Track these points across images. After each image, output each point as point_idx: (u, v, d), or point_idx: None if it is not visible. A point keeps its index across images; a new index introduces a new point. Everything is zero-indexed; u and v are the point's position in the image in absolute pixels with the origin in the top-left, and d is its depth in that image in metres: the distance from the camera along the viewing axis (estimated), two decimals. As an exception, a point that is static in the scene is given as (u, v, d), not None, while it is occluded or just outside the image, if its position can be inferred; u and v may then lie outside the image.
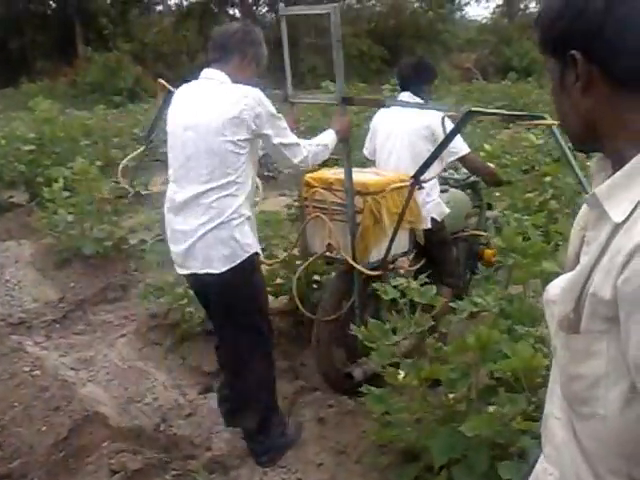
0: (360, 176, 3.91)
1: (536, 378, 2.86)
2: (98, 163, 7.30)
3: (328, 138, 3.58)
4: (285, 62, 4.02)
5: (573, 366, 1.14)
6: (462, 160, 4.54)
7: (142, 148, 4.57)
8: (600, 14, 1.09)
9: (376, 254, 3.90)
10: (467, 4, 41.33)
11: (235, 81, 3.24)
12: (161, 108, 4.39)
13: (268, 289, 4.80)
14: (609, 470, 1.13)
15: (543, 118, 2.95)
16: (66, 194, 6.40)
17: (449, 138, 3.47)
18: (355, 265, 3.78)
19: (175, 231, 3.29)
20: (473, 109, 3.28)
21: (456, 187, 4.88)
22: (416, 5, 34.43)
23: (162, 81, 4.18)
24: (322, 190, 3.95)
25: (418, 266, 4.23)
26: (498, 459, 2.90)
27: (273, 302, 4.95)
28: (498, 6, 40.12)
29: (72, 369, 4.44)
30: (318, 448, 3.55)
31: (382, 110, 4.69)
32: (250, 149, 3.20)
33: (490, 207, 5.41)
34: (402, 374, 3.05)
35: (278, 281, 4.80)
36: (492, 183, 4.97)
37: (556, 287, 1.22)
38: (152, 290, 4.77)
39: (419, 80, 4.52)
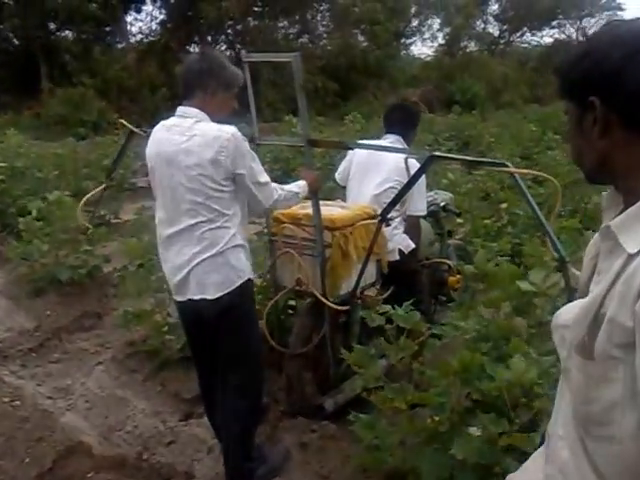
0: (327, 211, 3.83)
1: (520, 397, 2.81)
2: (66, 193, 7.10)
3: (300, 187, 3.47)
4: (251, 105, 3.96)
5: (589, 389, 1.13)
6: (410, 217, 4.41)
7: (102, 186, 4.45)
8: (620, 65, 1.12)
9: (345, 287, 3.84)
10: (412, 43, 41.99)
11: (210, 113, 3.12)
12: (123, 147, 4.28)
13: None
14: None
15: (505, 165, 2.92)
16: (39, 224, 6.22)
17: (413, 180, 3.41)
18: (325, 301, 3.70)
19: (171, 263, 3.17)
20: (436, 154, 3.24)
21: None
22: (364, 44, 34.79)
23: (122, 121, 4.09)
24: (291, 225, 3.88)
25: (386, 295, 4.16)
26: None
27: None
28: (440, 45, 40.83)
29: (49, 398, 4.25)
30: (301, 474, 3.42)
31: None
32: (236, 185, 3.09)
33: (451, 235, 5.37)
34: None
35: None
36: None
37: (567, 313, 1.23)
38: (131, 317, 4.60)
39: (409, 125, 4.56)
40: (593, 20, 41.19)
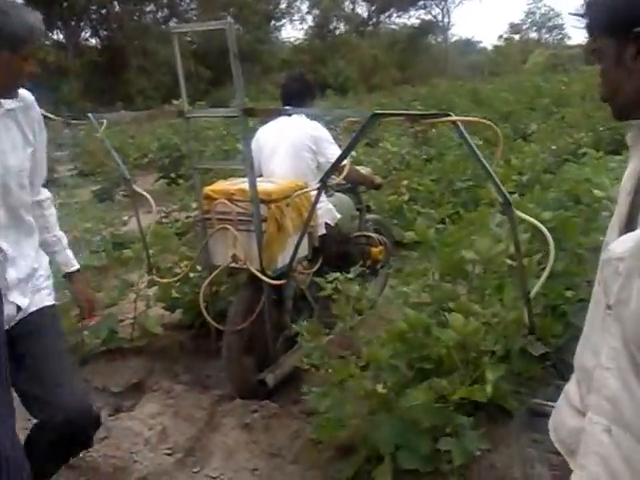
0: (260, 185, 3.80)
1: (470, 352, 2.92)
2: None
3: None
4: (179, 79, 3.87)
5: None
6: (341, 172, 4.52)
7: None
8: None
9: (281, 261, 3.85)
10: (282, 26, 42.03)
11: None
12: None
13: (162, 304, 4.63)
14: None
15: (449, 115, 2.96)
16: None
17: (355, 141, 3.45)
18: (260, 276, 3.70)
19: None
20: (377, 112, 3.20)
21: (338, 191, 4.89)
22: (235, 27, 34.52)
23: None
24: (225, 201, 3.82)
25: (316, 268, 4.25)
26: (437, 440, 2.94)
27: (168, 317, 4.79)
28: (310, 27, 41.08)
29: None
30: (249, 454, 3.40)
31: (264, 127, 4.69)
32: None
33: (369, 209, 5.47)
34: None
35: (173, 295, 4.63)
36: (371, 188, 5.07)
37: (622, 246, 1.27)
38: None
39: (306, 96, 4.57)
40: (457, 0, 42.90)
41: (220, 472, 3.35)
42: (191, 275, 4.62)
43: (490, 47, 51.38)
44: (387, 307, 3.65)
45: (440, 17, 46.03)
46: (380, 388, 2.96)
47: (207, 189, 3.92)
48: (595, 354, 1.35)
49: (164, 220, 6.71)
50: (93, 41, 31.82)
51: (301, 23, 49.51)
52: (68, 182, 10.50)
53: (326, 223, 4.38)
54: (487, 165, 2.82)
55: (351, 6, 43.06)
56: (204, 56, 30.85)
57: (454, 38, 54.54)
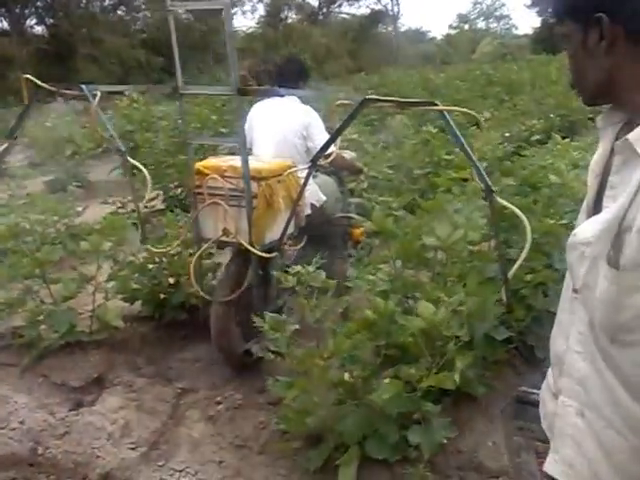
0: (250, 163, 3.82)
1: (437, 340, 2.93)
2: None
3: None
4: (174, 56, 3.81)
5: (621, 298, 1.16)
6: (327, 157, 4.56)
7: (5, 145, 4.09)
8: None
9: (269, 237, 3.90)
10: (234, 14, 41.70)
11: None
12: (28, 105, 3.97)
13: (122, 296, 4.55)
14: None
15: (435, 104, 3.04)
16: None
17: (345, 124, 3.47)
18: (251, 249, 3.72)
19: None
20: (368, 97, 3.28)
21: (322, 173, 4.91)
22: (184, 16, 34.08)
23: (29, 76, 3.76)
24: (217, 177, 3.83)
25: (301, 245, 4.32)
26: (404, 428, 2.97)
27: (128, 309, 4.71)
28: (262, 16, 40.88)
29: None
30: (215, 446, 3.37)
31: (258, 105, 4.75)
32: None
33: (352, 193, 5.52)
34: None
35: (133, 287, 4.55)
36: (354, 173, 5.26)
37: (586, 230, 1.25)
38: (2, 307, 4.27)
39: (302, 78, 4.69)
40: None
41: (186, 465, 3.31)
42: (150, 266, 4.57)
43: (439, 37, 51.89)
44: (353, 295, 3.64)
45: (390, 7, 46.21)
46: (347, 377, 2.96)
47: (199, 165, 3.94)
48: (566, 338, 1.35)
49: (120, 210, 6.58)
50: (39, 29, 31.09)
51: (252, 12, 49.21)
52: (17, 173, 10.23)
53: (312, 204, 4.46)
54: (470, 152, 2.85)
55: (302, -5, 42.99)
56: (156, 45, 30.38)
57: (403, 28, 55.06)
